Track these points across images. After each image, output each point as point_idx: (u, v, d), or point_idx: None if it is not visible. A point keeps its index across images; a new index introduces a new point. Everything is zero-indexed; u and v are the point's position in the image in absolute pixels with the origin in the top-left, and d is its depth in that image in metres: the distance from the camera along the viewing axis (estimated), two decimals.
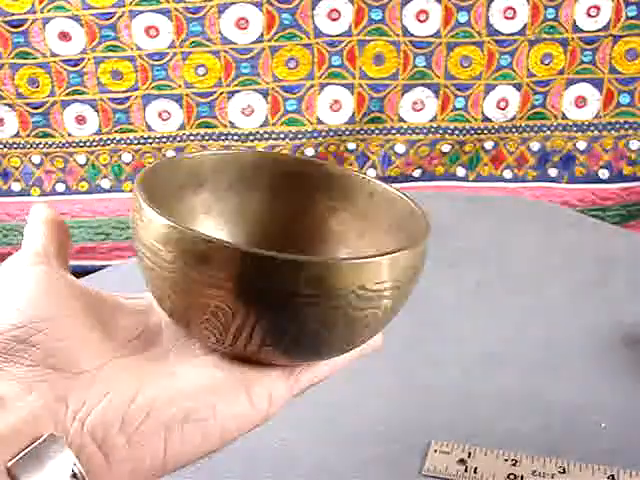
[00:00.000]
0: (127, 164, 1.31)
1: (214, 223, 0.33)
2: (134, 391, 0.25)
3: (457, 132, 1.26)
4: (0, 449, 0.22)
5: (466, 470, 0.38)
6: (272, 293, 0.25)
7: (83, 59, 1.23)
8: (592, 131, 1.24)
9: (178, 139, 1.29)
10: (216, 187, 0.34)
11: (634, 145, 1.23)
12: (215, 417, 0.25)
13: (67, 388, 0.24)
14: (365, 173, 0.35)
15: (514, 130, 1.25)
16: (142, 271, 0.29)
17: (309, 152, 1.28)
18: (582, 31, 1.17)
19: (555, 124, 1.24)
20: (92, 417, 0.23)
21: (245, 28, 1.20)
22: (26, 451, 0.22)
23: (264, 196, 0.34)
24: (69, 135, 1.29)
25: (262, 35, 1.20)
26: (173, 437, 0.24)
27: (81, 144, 1.30)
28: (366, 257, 0.26)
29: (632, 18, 1.15)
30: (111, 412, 0.24)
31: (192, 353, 0.28)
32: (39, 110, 1.27)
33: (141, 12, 1.19)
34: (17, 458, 0.22)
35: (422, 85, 1.23)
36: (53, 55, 1.23)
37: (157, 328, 0.29)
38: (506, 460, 0.39)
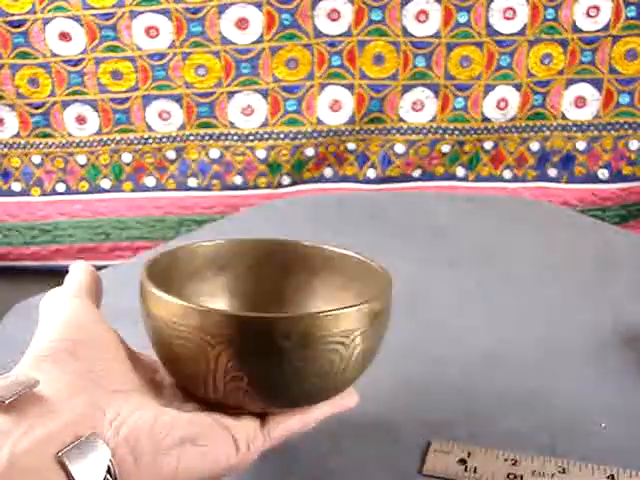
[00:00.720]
0: (127, 164, 1.31)
1: (211, 299, 0.41)
2: (158, 412, 0.29)
3: (457, 132, 1.26)
4: (51, 442, 0.25)
5: (466, 470, 0.38)
6: (250, 343, 0.30)
7: (83, 59, 1.23)
8: (592, 131, 1.24)
9: (178, 139, 1.29)
10: (205, 273, 0.41)
11: (634, 145, 1.23)
12: (213, 446, 0.30)
13: (104, 400, 0.28)
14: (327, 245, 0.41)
15: (514, 130, 1.25)
16: (150, 334, 0.34)
17: (309, 152, 1.28)
18: (582, 31, 1.17)
19: (555, 124, 1.24)
20: (126, 425, 0.28)
21: (245, 28, 1.20)
22: (74, 444, 0.26)
23: (250, 276, 0.41)
24: (69, 135, 1.29)
25: (262, 35, 1.20)
26: (184, 453, 0.29)
27: (81, 144, 1.30)
28: (320, 312, 0.31)
29: (632, 18, 1.15)
30: (141, 423, 0.28)
31: (186, 408, 0.32)
32: (39, 110, 1.27)
33: (141, 12, 1.19)
34: (66, 449, 0.25)
35: (422, 85, 1.23)
36: (53, 55, 1.23)
37: (160, 383, 0.34)
38: (506, 460, 0.39)
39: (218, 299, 0.41)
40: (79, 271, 0.36)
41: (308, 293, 0.41)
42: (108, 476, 0.26)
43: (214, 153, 1.30)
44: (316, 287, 0.41)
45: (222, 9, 1.19)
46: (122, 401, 0.29)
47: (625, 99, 1.21)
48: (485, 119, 1.25)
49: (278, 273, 0.42)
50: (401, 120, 1.26)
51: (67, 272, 0.36)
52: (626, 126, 1.22)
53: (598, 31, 1.16)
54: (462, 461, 0.39)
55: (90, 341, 0.31)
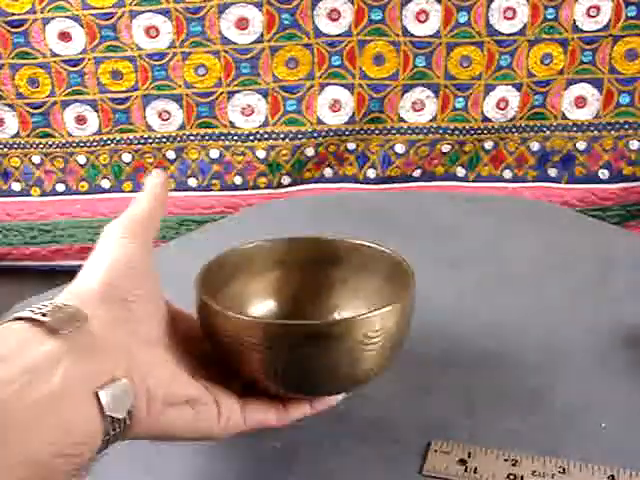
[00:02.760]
0: (127, 164, 1.31)
1: (260, 296, 0.45)
2: (177, 370, 0.33)
3: (457, 132, 1.26)
4: (94, 377, 0.28)
5: (466, 470, 0.38)
6: (283, 345, 0.34)
7: (83, 59, 1.23)
8: (592, 131, 1.24)
9: (178, 139, 1.29)
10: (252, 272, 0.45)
11: (634, 145, 1.23)
12: (204, 414, 0.33)
13: (137, 350, 0.31)
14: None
15: (514, 130, 1.25)
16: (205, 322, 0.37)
17: (309, 152, 1.28)
18: (582, 31, 1.17)
19: (555, 124, 1.24)
20: (150, 377, 0.30)
21: (245, 28, 1.20)
22: (111, 384, 0.28)
23: (290, 273, 0.45)
24: (69, 135, 1.29)
25: (262, 35, 1.20)
26: (183, 412, 0.32)
27: (81, 144, 1.30)
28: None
29: (632, 18, 1.15)
30: (163, 378, 0.31)
31: (197, 368, 0.35)
32: (39, 110, 1.27)
33: (141, 12, 1.19)
34: (104, 387, 0.28)
35: (422, 85, 1.23)
36: (53, 55, 1.23)
37: (185, 338, 0.36)
38: (506, 460, 0.39)
39: (261, 297, 0.45)
40: (147, 197, 0.37)
41: (341, 287, 0.45)
42: (127, 417, 0.29)
43: (214, 153, 1.30)
44: (347, 280, 0.45)
45: (222, 9, 1.19)
46: (151, 353, 0.32)
47: (625, 99, 1.21)
48: (485, 119, 1.25)
49: (315, 268, 0.45)
50: (401, 120, 1.26)
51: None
52: (626, 126, 1.22)
53: (598, 31, 1.16)
54: (462, 461, 0.39)
55: (137, 290, 0.32)
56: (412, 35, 1.20)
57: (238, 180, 1.31)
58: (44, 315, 0.28)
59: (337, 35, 1.20)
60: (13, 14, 1.20)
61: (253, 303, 0.45)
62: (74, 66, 1.23)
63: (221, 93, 1.25)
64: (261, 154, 1.28)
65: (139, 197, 0.38)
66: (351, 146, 1.29)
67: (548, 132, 1.25)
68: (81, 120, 1.28)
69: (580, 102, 1.22)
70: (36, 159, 1.32)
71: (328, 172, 1.31)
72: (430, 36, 1.20)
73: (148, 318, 0.33)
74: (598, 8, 1.15)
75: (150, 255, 0.35)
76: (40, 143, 1.30)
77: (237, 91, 1.25)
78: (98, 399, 0.28)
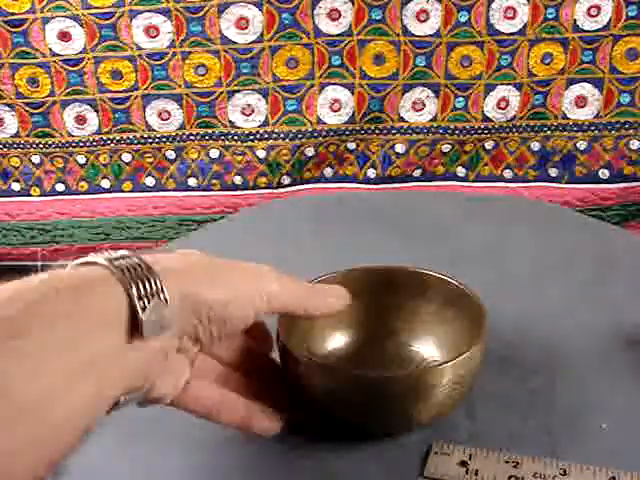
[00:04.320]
0: (127, 164, 1.31)
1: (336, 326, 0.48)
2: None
3: (457, 132, 1.26)
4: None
5: (467, 472, 0.38)
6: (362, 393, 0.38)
7: (83, 59, 1.23)
8: (592, 131, 1.23)
9: (178, 139, 1.29)
10: None
11: (634, 145, 1.23)
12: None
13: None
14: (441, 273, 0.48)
15: (514, 130, 1.25)
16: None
17: (309, 152, 1.28)
18: (582, 31, 1.17)
19: (555, 124, 1.24)
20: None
21: (245, 28, 1.20)
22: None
23: (362, 303, 0.46)
24: (69, 135, 1.29)
25: (262, 35, 1.20)
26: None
27: (81, 144, 1.30)
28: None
29: (632, 18, 1.15)
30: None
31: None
32: (39, 110, 1.27)
33: (141, 12, 1.19)
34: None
35: (422, 85, 1.23)
36: (53, 55, 1.23)
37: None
38: (507, 462, 0.39)
39: (336, 329, 0.48)
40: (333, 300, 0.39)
41: (413, 322, 0.48)
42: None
43: (214, 153, 1.30)
44: (421, 316, 0.47)
45: (222, 8, 1.19)
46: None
47: (626, 99, 1.21)
48: (486, 119, 1.24)
49: (386, 298, 0.47)
50: (401, 120, 1.26)
51: None
52: (627, 126, 1.22)
53: (599, 30, 1.16)
54: (463, 463, 0.39)
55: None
56: (412, 35, 1.20)
57: (238, 180, 1.30)
58: (143, 309, 0.29)
59: (337, 35, 1.20)
60: (13, 14, 1.20)
61: (332, 327, 0.47)
62: (74, 66, 1.23)
63: (221, 93, 1.25)
64: (261, 154, 1.28)
65: (314, 289, 0.39)
66: (351, 146, 1.29)
67: (549, 132, 1.25)
68: (81, 120, 1.28)
69: (580, 102, 1.22)
70: (36, 159, 1.31)
71: (328, 172, 1.31)
72: (430, 36, 1.19)
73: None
74: (599, 7, 1.15)
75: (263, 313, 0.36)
76: (40, 143, 1.30)
77: (237, 91, 1.24)
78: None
